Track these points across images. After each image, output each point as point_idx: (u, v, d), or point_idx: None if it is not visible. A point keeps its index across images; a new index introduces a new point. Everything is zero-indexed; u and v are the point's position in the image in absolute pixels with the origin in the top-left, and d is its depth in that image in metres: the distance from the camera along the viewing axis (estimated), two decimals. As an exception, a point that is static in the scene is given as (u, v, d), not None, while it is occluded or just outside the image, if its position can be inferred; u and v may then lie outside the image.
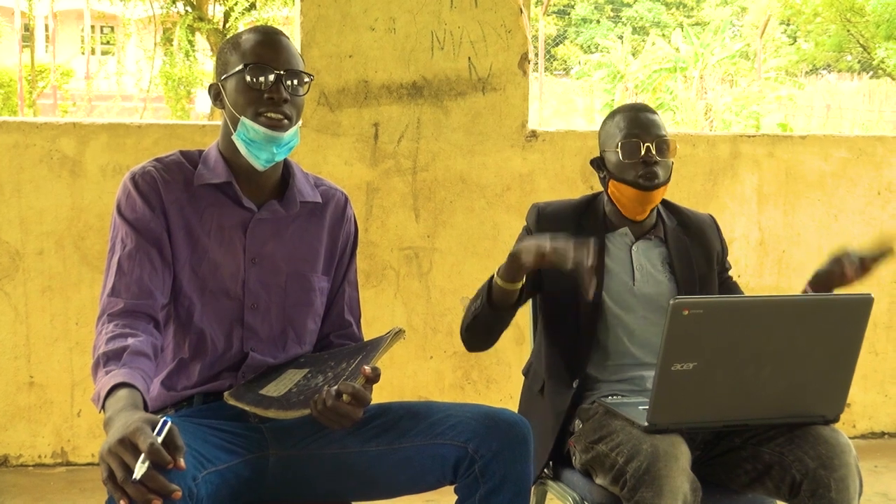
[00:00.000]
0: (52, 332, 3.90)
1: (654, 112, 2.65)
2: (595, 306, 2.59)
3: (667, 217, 2.74)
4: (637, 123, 2.60)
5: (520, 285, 2.43)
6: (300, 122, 2.24)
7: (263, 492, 2.14)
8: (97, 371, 1.94)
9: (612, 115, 2.69)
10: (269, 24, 17.08)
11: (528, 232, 2.71)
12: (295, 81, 2.19)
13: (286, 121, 2.17)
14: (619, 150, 2.58)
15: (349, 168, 3.99)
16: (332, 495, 2.20)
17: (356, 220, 2.47)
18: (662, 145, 2.58)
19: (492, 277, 2.45)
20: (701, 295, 2.66)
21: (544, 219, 2.69)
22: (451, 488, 2.14)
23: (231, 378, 2.21)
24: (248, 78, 2.16)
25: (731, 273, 2.82)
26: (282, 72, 2.17)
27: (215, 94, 2.26)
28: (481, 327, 2.55)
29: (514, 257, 2.36)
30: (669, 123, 19.96)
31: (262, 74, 2.16)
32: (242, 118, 2.16)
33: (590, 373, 2.60)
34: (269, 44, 2.20)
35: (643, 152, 2.56)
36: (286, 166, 2.33)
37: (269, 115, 2.15)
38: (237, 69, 2.17)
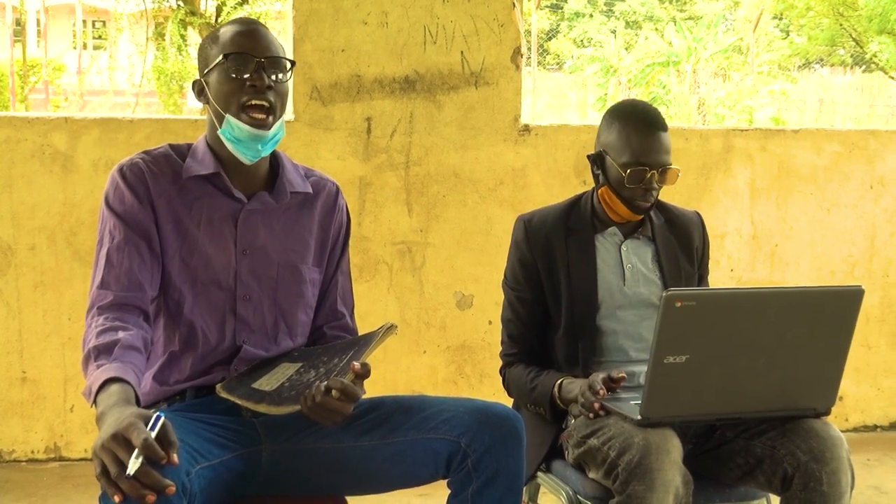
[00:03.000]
0: (45, 328, 3.89)
1: (664, 128, 2.56)
2: (588, 307, 2.60)
3: (654, 215, 2.72)
4: (648, 147, 2.52)
5: None
6: (285, 114, 2.24)
7: (256, 486, 2.14)
8: (88, 365, 1.94)
9: (623, 117, 2.59)
10: (261, 18, 17.09)
11: (517, 247, 2.69)
12: (277, 68, 2.19)
13: (270, 117, 2.17)
14: (624, 170, 2.52)
15: (342, 163, 3.98)
16: (325, 490, 2.20)
17: (348, 210, 2.47)
18: (665, 174, 2.54)
19: (551, 398, 2.54)
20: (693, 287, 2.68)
21: (532, 230, 2.66)
22: (444, 482, 2.15)
23: (223, 371, 2.21)
24: (229, 68, 2.16)
25: (708, 279, 2.83)
26: (262, 59, 2.16)
27: (199, 90, 2.26)
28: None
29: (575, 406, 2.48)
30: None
31: (242, 63, 2.16)
32: (227, 116, 2.16)
33: (585, 371, 2.60)
34: (247, 33, 2.20)
35: (647, 177, 2.52)
36: (275, 157, 2.33)
37: (252, 113, 2.15)
38: (218, 61, 2.17)
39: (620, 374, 2.36)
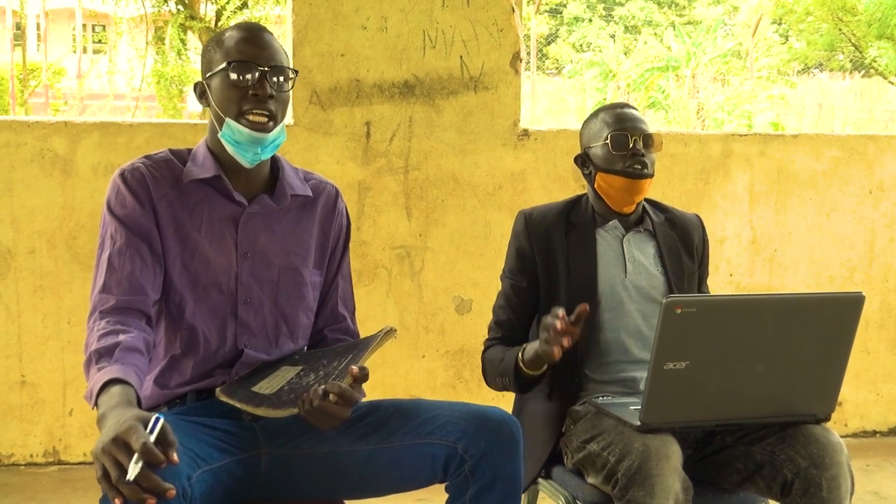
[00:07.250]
0: (44, 332, 3.89)
1: (636, 109, 2.72)
2: (588, 300, 2.58)
3: (654, 213, 2.75)
4: (623, 118, 2.64)
5: (545, 368, 2.47)
6: (285, 120, 2.24)
7: (256, 490, 2.14)
8: (89, 368, 1.94)
9: (595, 113, 2.73)
10: (260, 22, 17.07)
11: (516, 238, 2.70)
12: (280, 78, 2.19)
13: (270, 122, 2.17)
14: (608, 142, 2.61)
15: (341, 167, 3.99)
16: (323, 494, 2.20)
17: (348, 213, 2.47)
18: (648, 139, 2.62)
19: (515, 363, 2.50)
20: (692, 293, 2.68)
21: (532, 223, 2.68)
22: (442, 486, 2.15)
23: (224, 375, 2.21)
24: (232, 76, 2.16)
25: (708, 283, 2.83)
26: (266, 68, 2.17)
27: (200, 92, 2.26)
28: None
29: (540, 357, 2.39)
30: (661, 122, 20.04)
31: (246, 72, 2.16)
32: (227, 120, 2.17)
33: (586, 372, 2.60)
34: (252, 41, 2.19)
35: (631, 144, 2.60)
36: (274, 161, 2.34)
37: (252, 117, 2.15)
38: (221, 67, 2.17)
39: (583, 307, 2.28)
